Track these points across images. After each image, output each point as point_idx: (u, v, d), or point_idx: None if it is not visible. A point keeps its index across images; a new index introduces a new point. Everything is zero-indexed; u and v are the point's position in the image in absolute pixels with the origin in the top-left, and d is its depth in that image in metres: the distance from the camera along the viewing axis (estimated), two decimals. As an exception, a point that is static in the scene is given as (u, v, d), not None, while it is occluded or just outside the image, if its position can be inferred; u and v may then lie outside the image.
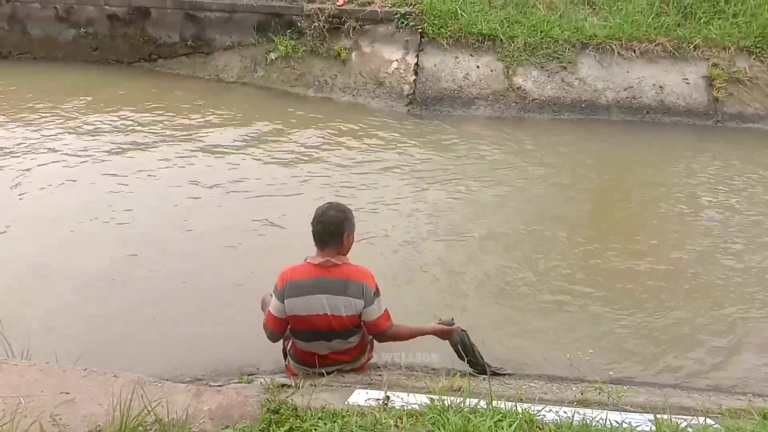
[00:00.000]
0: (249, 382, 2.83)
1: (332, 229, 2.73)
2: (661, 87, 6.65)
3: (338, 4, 6.99)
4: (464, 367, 3.07)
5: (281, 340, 3.03)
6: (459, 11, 6.89)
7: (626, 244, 4.54)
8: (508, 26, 6.86)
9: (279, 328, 2.83)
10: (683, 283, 4.17)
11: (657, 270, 4.27)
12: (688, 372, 3.48)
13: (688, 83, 6.69)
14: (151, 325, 3.62)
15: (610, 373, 3.45)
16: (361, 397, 2.46)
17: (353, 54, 6.97)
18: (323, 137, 5.95)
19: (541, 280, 4.14)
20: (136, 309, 3.74)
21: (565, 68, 6.70)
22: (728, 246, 4.57)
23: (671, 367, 3.52)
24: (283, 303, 2.73)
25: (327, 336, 2.78)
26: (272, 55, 7.09)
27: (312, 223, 2.77)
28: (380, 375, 2.98)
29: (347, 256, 2.83)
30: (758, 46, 6.82)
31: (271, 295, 2.84)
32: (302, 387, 2.58)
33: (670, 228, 4.79)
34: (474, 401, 2.28)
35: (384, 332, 2.84)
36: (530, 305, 3.92)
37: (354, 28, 6.95)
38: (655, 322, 3.82)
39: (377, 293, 2.78)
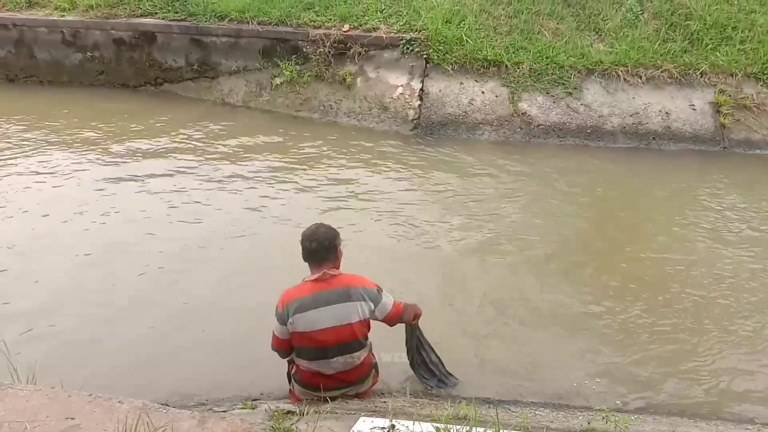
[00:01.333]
0: (253, 408, 2.88)
1: (327, 244, 2.91)
2: (667, 113, 6.77)
3: (344, 30, 7.17)
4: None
5: (287, 364, 3.11)
6: (464, 37, 7.06)
7: (631, 272, 4.60)
8: (513, 52, 7.02)
9: (285, 346, 2.96)
10: (690, 311, 4.21)
11: (663, 298, 4.32)
12: (696, 400, 3.51)
13: (694, 109, 6.80)
14: (156, 350, 3.69)
15: (617, 401, 3.49)
16: (366, 425, 2.51)
17: (358, 79, 7.12)
18: (328, 161, 6.06)
19: (546, 307, 4.20)
20: (142, 335, 3.81)
21: (570, 94, 6.84)
22: (736, 275, 4.62)
23: (678, 395, 3.55)
24: (285, 325, 2.84)
25: (332, 352, 2.87)
26: (277, 80, 7.25)
27: (304, 243, 2.93)
28: (385, 402, 3.03)
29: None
30: (766, 72, 6.93)
31: None
32: (307, 414, 2.63)
33: (675, 255, 4.85)
34: (480, 430, 2.33)
35: (397, 319, 3.06)
36: (536, 331, 3.98)
37: (359, 53, 7.12)
38: (662, 350, 3.86)
39: (379, 289, 2.98)
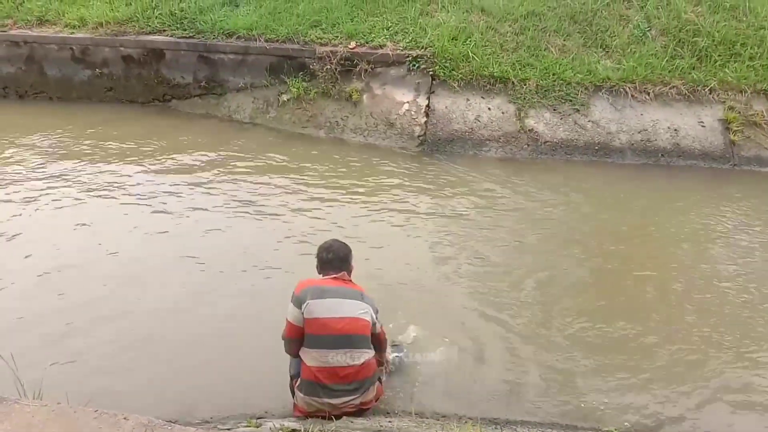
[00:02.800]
0: (258, 426, 2.92)
1: (342, 256, 3.25)
2: (675, 130, 6.81)
3: (350, 47, 7.29)
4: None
5: (289, 380, 3.19)
6: (470, 54, 7.15)
7: (641, 291, 4.62)
8: (519, 69, 7.10)
9: (296, 334, 3.08)
10: (701, 331, 4.22)
11: (673, 318, 4.34)
12: (707, 423, 3.51)
13: (703, 126, 6.84)
14: (161, 367, 3.74)
15: (626, 423, 3.49)
16: (371, 443, 2.54)
17: (365, 96, 7.22)
18: (334, 178, 6.14)
19: (553, 325, 4.23)
20: (146, 352, 3.86)
21: (578, 111, 6.90)
22: (744, 296, 4.61)
23: (688, 417, 3.55)
24: (300, 308, 3.00)
25: (340, 341, 3.00)
26: (284, 97, 7.37)
27: (320, 255, 3.26)
28: (390, 422, 3.06)
29: None
30: (775, 89, 6.99)
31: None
32: (311, 432, 2.67)
33: (687, 275, 4.86)
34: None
35: (382, 342, 3.33)
36: (544, 351, 3.99)
37: (366, 70, 7.23)
38: (672, 371, 3.87)
39: (377, 315, 3.25)
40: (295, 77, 7.36)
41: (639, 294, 4.60)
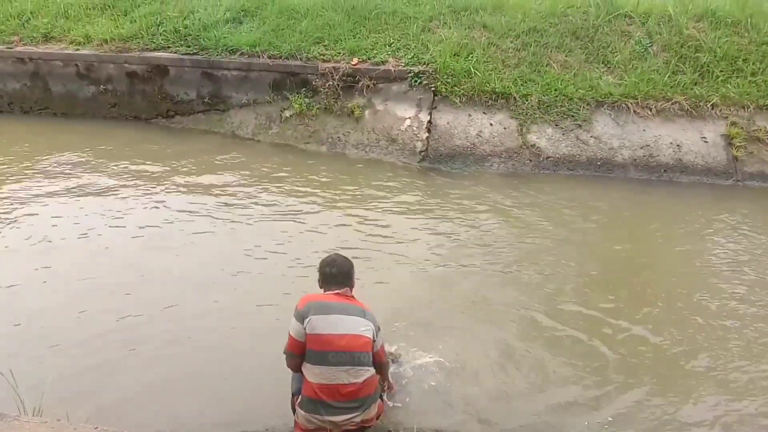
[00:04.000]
0: (257, 443, 2.95)
1: (345, 271, 3.26)
2: (678, 145, 6.85)
3: (353, 63, 7.40)
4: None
5: (291, 397, 3.23)
6: (472, 70, 7.24)
7: (644, 310, 4.62)
8: (521, 84, 7.18)
9: (298, 349, 3.09)
10: (703, 350, 4.23)
11: (676, 337, 4.34)
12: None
13: (706, 142, 6.88)
14: (162, 385, 3.78)
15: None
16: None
17: (366, 111, 7.32)
18: (336, 194, 6.20)
19: (557, 343, 4.25)
20: (147, 367, 3.91)
21: (580, 126, 6.96)
22: (747, 316, 4.62)
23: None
24: (303, 323, 3.02)
25: (342, 358, 3.01)
26: (287, 113, 7.47)
27: (323, 269, 3.26)
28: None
29: None
30: (778, 104, 7.03)
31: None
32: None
33: (689, 292, 4.87)
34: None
35: (383, 361, 3.30)
36: (549, 371, 4.02)
37: (368, 86, 7.33)
38: (674, 393, 3.88)
39: (379, 331, 3.24)
40: (297, 93, 7.46)
41: (643, 311, 4.60)
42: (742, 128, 6.91)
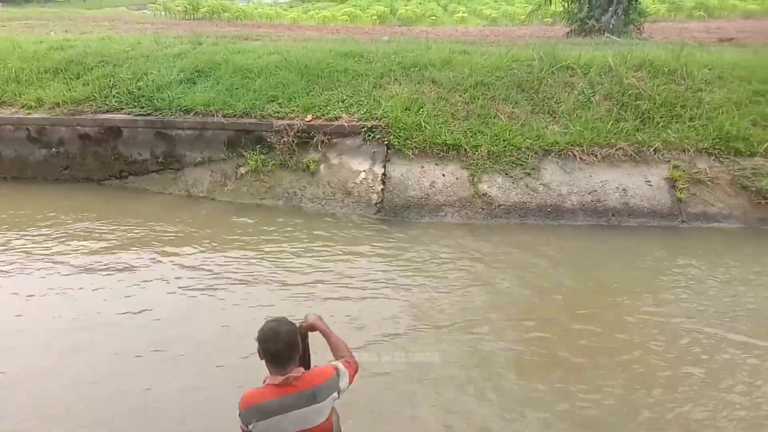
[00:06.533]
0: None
1: (291, 342, 2.86)
2: (624, 190, 7.20)
3: (307, 119, 7.67)
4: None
5: None
6: (423, 124, 7.57)
7: (594, 357, 4.77)
8: (471, 136, 7.52)
9: None
10: (653, 392, 4.40)
11: (632, 381, 4.48)
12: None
13: (651, 185, 7.25)
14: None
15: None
16: None
17: (322, 166, 7.54)
18: (291, 249, 6.32)
19: (510, 389, 4.37)
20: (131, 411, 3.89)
21: (529, 174, 7.28)
22: (700, 356, 4.81)
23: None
24: (248, 427, 2.80)
25: None
26: (242, 170, 7.65)
27: (266, 344, 2.83)
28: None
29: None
30: (716, 147, 7.44)
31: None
32: None
33: (638, 336, 5.07)
34: None
35: (355, 369, 3.05)
36: (486, 401, 4.13)
37: (322, 141, 7.58)
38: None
39: (336, 368, 2.96)
40: (252, 150, 7.67)
41: (597, 356, 4.78)
42: (684, 171, 7.29)
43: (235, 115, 7.87)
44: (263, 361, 2.89)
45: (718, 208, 7.12)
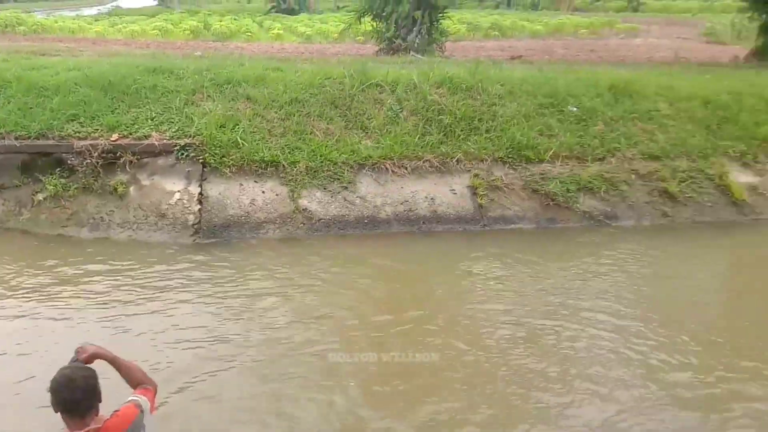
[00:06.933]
0: None
1: (91, 390, 2.71)
2: (432, 199, 7.79)
3: (112, 139, 7.27)
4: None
5: None
6: (240, 141, 7.56)
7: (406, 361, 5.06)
8: (289, 152, 7.66)
9: None
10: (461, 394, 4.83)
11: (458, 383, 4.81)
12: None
13: (455, 193, 7.92)
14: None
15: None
16: None
17: (131, 188, 7.19)
18: (96, 284, 5.89)
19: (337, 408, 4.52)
20: None
21: (346, 188, 7.59)
22: (511, 346, 5.30)
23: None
24: None
25: None
26: (40, 196, 7.04)
27: (62, 394, 2.65)
28: None
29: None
30: (510, 156, 8.31)
31: None
32: None
33: (449, 335, 5.53)
34: None
35: (153, 393, 2.95)
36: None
37: (131, 162, 7.24)
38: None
39: (137, 405, 2.82)
40: (51, 174, 7.12)
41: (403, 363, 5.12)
42: (483, 179, 8.06)
43: (29, 137, 7.24)
44: (58, 414, 2.68)
45: (514, 211, 7.95)
